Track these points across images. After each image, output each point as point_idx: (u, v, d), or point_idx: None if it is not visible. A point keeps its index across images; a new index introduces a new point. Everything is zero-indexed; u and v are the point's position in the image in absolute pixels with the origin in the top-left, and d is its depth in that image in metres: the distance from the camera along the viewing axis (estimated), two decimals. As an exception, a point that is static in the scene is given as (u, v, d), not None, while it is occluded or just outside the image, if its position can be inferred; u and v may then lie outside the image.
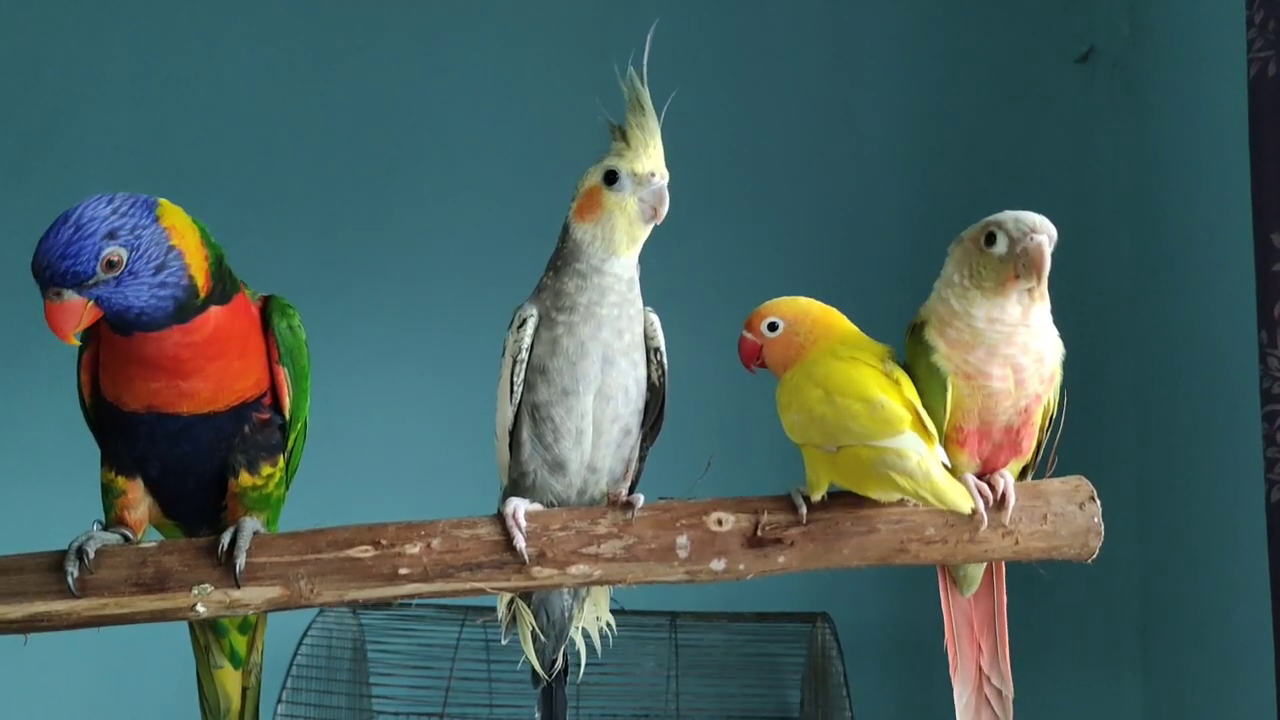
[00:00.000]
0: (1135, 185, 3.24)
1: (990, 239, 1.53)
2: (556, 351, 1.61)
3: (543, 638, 1.77)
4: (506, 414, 1.65)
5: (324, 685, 2.84)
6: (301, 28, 3.43)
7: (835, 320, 1.67)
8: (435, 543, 1.58)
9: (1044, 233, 1.51)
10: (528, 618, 1.75)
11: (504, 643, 1.80)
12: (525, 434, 1.64)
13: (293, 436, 1.73)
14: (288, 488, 1.78)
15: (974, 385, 1.55)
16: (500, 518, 1.59)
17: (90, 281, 1.48)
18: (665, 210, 1.58)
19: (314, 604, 1.58)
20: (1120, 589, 3.21)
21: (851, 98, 3.44)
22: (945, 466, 1.51)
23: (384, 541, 1.58)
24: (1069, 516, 1.60)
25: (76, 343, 1.53)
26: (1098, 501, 1.60)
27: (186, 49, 3.38)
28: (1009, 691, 1.69)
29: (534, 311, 1.62)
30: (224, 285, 1.59)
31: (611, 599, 1.84)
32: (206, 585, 1.57)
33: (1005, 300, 1.54)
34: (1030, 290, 1.53)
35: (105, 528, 1.65)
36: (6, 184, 3.31)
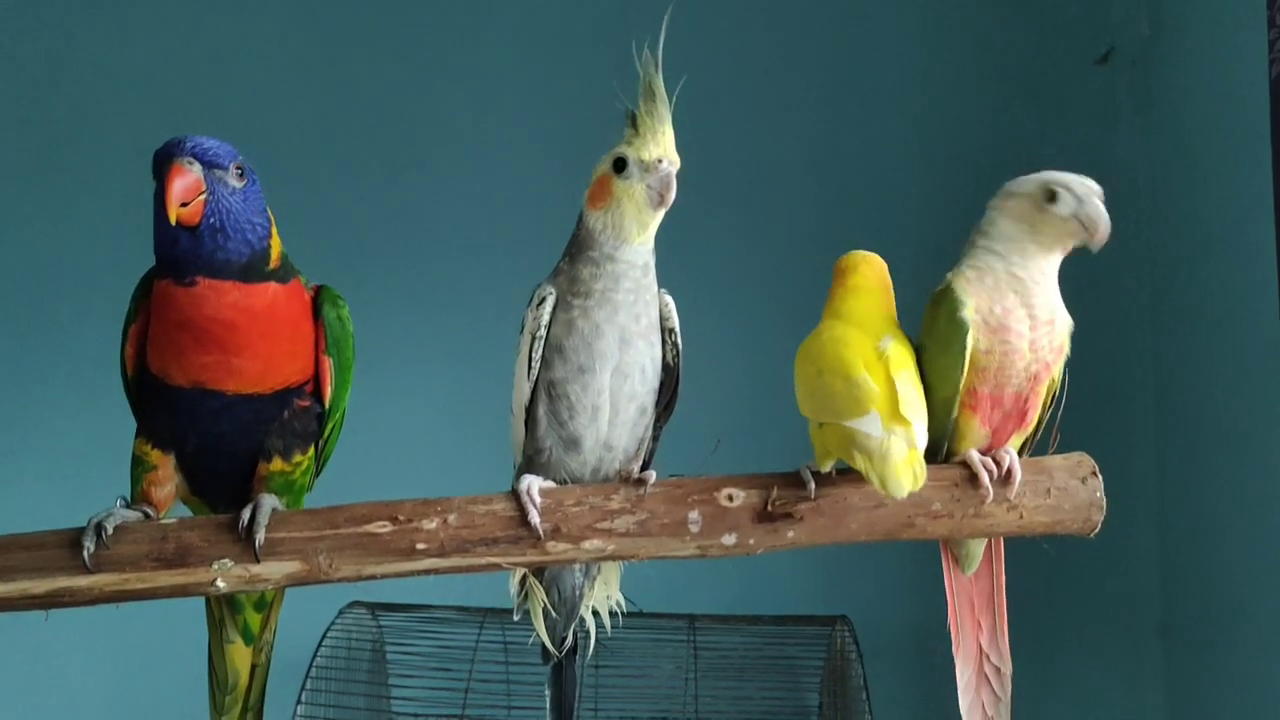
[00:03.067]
0: (1155, 186, 3.23)
1: (1052, 196, 1.58)
2: (573, 332, 1.63)
3: (554, 614, 1.79)
4: (524, 390, 1.66)
5: (343, 686, 2.85)
6: (319, 26, 3.46)
7: (851, 290, 1.69)
8: (452, 518, 1.60)
9: (1100, 196, 1.58)
10: (539, 594, 1.77)
11: (516, 619, 1.82)
12: (541, 411, 1.66)
13: (330, 426, 1.77)
14: (318, 475, 1.81)
15: (996, 339, 1.58)
16: (515, 494, 1.61)
17: (220, 171, 1.58)
18: (672, 196, 1.59)
19: (332, 579, 1.60)
20: (1140, 590, 3.20)
21: (869, 95, 3.45)
22: (915, 446, 1.52)
23: (401, 517, 1.60)
24: (1072, 491, 1.61)
25: (175, 217, 1.54)
26: (1100, 476, 1.62)
27: (206, 49, 3.41)
28: (1007, 669, 1.72)
29: (552, 291, 1.65)
30: (285, 270, 1.66)
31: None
32: (227, 560, 1.59)
33: (1054, 256, 1.61)
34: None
35: (129, 504, 1.67)
36: (30, 186, 3.34)
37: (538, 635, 1.81)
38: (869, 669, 2.80)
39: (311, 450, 1.75)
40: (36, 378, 3.26)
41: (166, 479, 1.70)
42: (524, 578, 1.76)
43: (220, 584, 1.59)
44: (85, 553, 1.57)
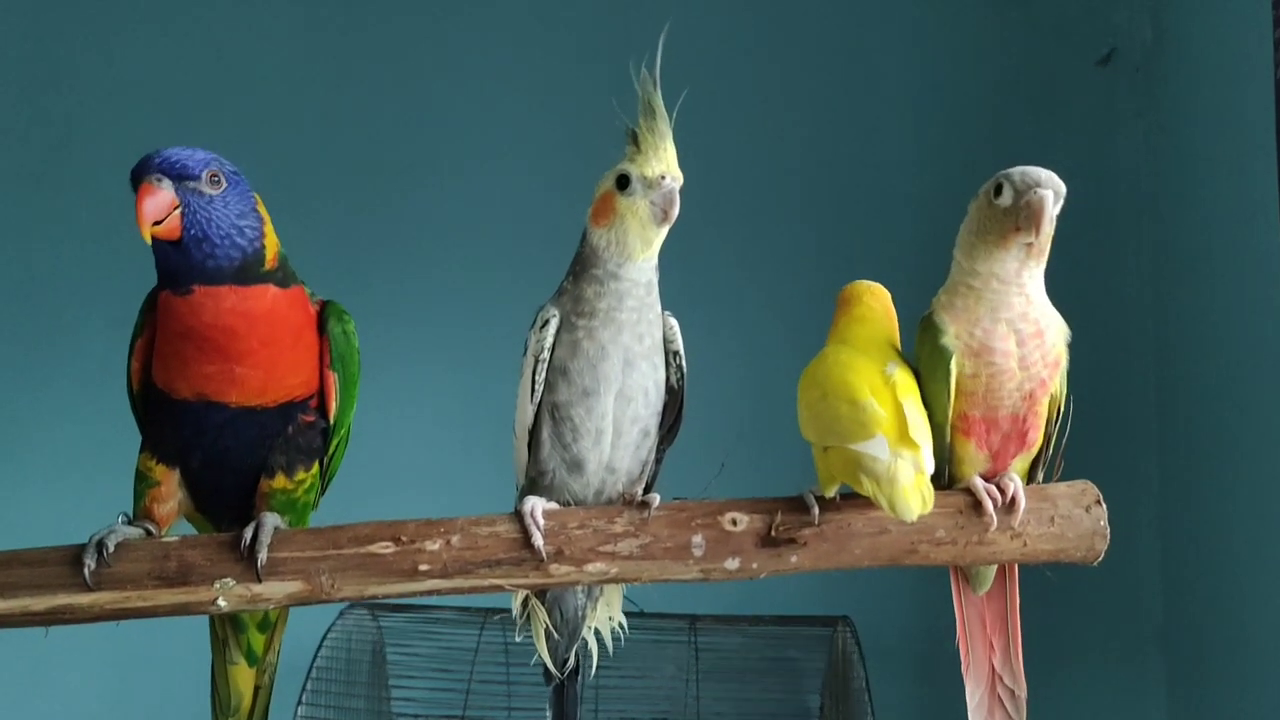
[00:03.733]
0: (1157, 190, 3.21)
1: (998, 190, 1.56)
2: (577, 353, 1.62)
3: (556, 635, 1.79)
4: (527, 413, 1.66)
5: (344, 688, 2.84)
6: (317, 31, 3.45)
7: (855, 318, 1.69)
8: (455, 539, 1.60)
9: (1049, 188, 1.53)
10: (542, 615, 1.77)
11: (518, 639, 1.82)
12: (545, 433, 1.66)
13: (334, 442, 1.76)
14: (324, 492, 1.81)
15: (980, 363, 1.57)
16: (518, 515, 1.61)
17: (191, 182, 1.57)
18: (675, 212, 1.58)
19: (334, 599, 1.60)
20: (1142, 601, 3.19)
21: (870, 100, 3.43)
22: (922, 470, 1.52)
23: (404, 538, 1.60)
24: (1076, 519, 1.61)
25: (149, 236, 1.54)
26: (1104, 505, 1.62)
27: (202, 53, 3.40)
28: (1022, 691, 1.70)
29: (555, 312, 1.64)
30: (284, 273, 1.65)
31: (629, 601, 1.86)
32: (228, 579, 1.59)
33: (1005, 254, 1.56)
34: (1028, 246, 1.55)
35: (131, 521, 1.67)
36: (26, 192, 3.33)
37: (539, 656, 1.81)
38: (871, 670, 2.78)
39: (316, 467, 1.74)
40: (38, 385, 3.25)
41: (170, 495, 1.70)
42: (526, 599, 1.77)
43: (221, 603, 1.59)
44: (86, 570, 1.57)
